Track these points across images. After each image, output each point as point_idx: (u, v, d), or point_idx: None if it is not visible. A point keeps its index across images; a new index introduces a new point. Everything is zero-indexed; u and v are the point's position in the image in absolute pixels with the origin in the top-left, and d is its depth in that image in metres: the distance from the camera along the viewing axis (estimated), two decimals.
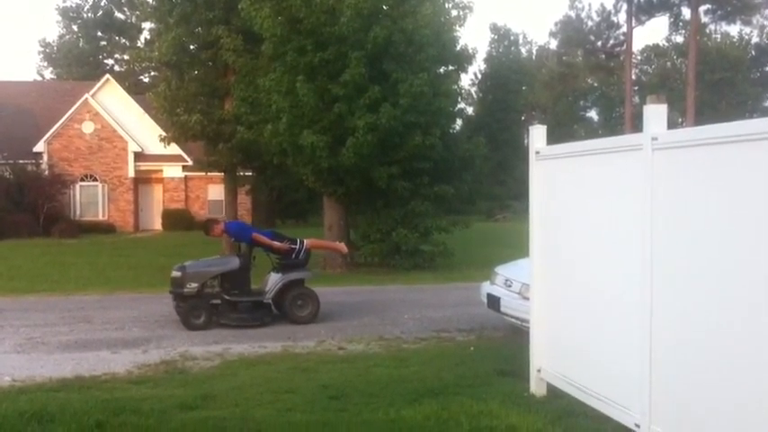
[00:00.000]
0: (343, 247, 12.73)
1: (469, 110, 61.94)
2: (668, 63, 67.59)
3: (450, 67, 20.76)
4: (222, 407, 6.55)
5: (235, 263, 11.36)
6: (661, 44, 66.37)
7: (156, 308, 12.75)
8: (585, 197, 6.08)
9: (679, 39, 58.59)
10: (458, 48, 20.32)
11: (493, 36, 60.62)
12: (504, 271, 10.06)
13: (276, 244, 11.58)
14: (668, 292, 4.83)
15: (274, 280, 11.48)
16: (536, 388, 6.85)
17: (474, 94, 63.86)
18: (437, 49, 18.77)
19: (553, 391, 6.65)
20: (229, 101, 23.70)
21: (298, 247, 11.64)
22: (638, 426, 5.14)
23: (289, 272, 11.55)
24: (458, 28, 19.94)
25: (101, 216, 38.21)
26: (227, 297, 11.18)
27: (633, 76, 50.58)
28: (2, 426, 5.64)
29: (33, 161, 36.45)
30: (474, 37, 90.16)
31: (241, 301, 11.25)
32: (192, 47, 24.29)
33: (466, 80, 73.85)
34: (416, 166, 19.15)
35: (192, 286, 10.98)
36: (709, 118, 40.32)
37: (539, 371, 6.82)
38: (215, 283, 11.25)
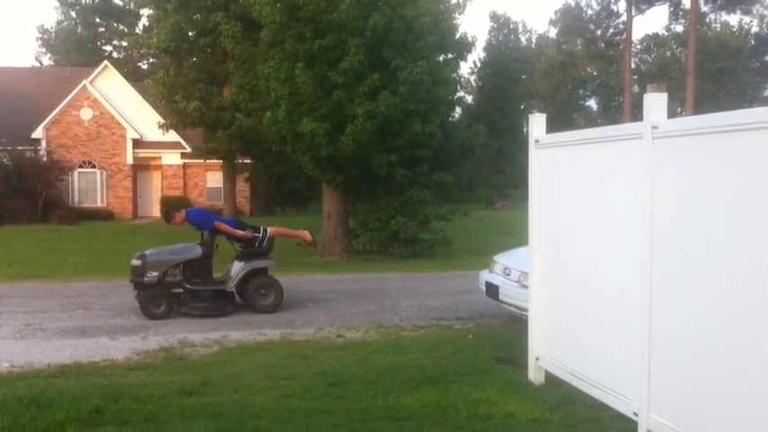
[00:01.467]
0: (307, 234, 12.40)
1: (469, 98, 61.86)
2: (668, 52, 67.45)
3: (450, 55, 20.69)
4: (221, 393, 6.56)
5: (197, 251, 11.13)
6: (661, 33, 66.28)
7: None
8: (585, 186, 6.07)
9: (679, 28, 58.47)
10: (457, 36, 20.27)
11: (492, 24, 60.36)
12: (502, 259, 10.06)
13: (239, 232, 11.38)
14: (667, 281, 4.83)
15: (237, 268, 11.29)
16: (534, 376, 6.87)
17: (473, 82, 63.71)
18: (437, 37, 18.72)
19: (551, 379, 6.67)
20: (228, 88, 23.69)
21: (261, 235, 11.46)
22: (636, 414, 5.16)
23: (252, 260, 11.36)
24: (457, 16, 19.89)
25: (99, 203, 38.18)
26: (188, 286, 11.03)
27: (633, 66, 50.53)
28: (1, 411, 5.65)
29: (32, 147, 36.41)
30: (473, 25, 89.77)
31: (203, 290, 11.10)
32: (190, 33, 24.27)
33: (465, 68, 73.79)
34: (416, 154, 19.13)
35: (153, 275, 10.78)
36: (708, 107, 40.26)
37: (537, 359, 6.84)
38: (176, 271, 11.08)
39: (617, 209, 5.53)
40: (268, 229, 11.74)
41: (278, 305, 11.44)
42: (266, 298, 11.40)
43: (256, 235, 11.46)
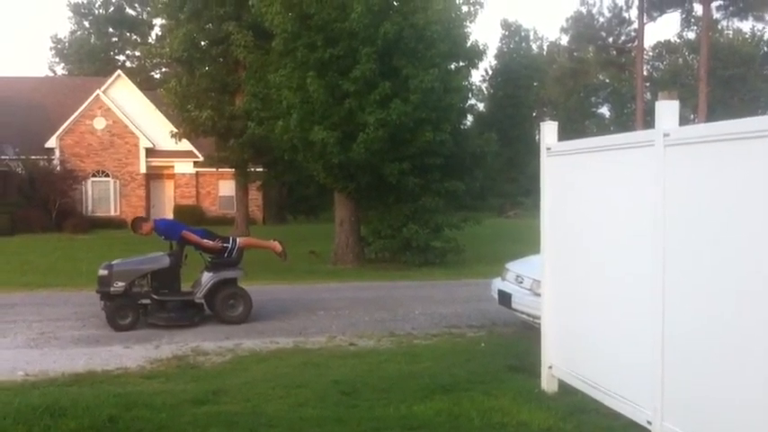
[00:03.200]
0: (277, 245, 11.99)
1: (480, 106, 61.75)
2: (680, 59, 67.22)
3: (461, 63, 20.70)
4: (234, 401, 6.57)
5: (164, 261, 11.00)
6: (673, 40, 66.04)
7: None
8: (597, 193, 6.06)
9: (691, 35, 58.26)
10: (468, 44, 20.27)
11: (504, 32, 60.41)
12: (515, 267, 10.04)
13: (206, 242, 11.24)
14: (681, 289, 4.81)
15: (206, 279, 11.18)
16: (547, 384, 6.84)
17: (485, 90, 63.70)
18: (448, 45, 18.72)
19: (564, 388, 6.64)
20: (240, 97, 23.77)
21: (230, 245, 11.31)
22: (650, 422, 5.13)
23: (220, 270, 11.22)
24: (468, 24, 19.90)
25: (112, 211, 38.35)
26: (156, 296, 10.91)
27: (645, 73, 50.37)
28: (15, 420, 5.67)
29: (45, 157, 36.61)
30: (485, 33, 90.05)
31: (170, 301, 10.98)
32: (202, 43, 24.38)
33: (477, 76, 73.87)
34: (427, 161, 19.13)
35: (119, 285, 10.66)
36: (721, 114, 40.14)
37: (550, 367, 6.81)
38: (144, 282, 10.97)
39: (629, 216, 5.51)
40: (237, 239, 11.65)
41: (246, 316, 11.24)
42: (234, 309, 11.22)
43: (225, 245, 11.30)
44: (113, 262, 10.98)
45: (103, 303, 10.85)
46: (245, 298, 11.32)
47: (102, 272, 10.81)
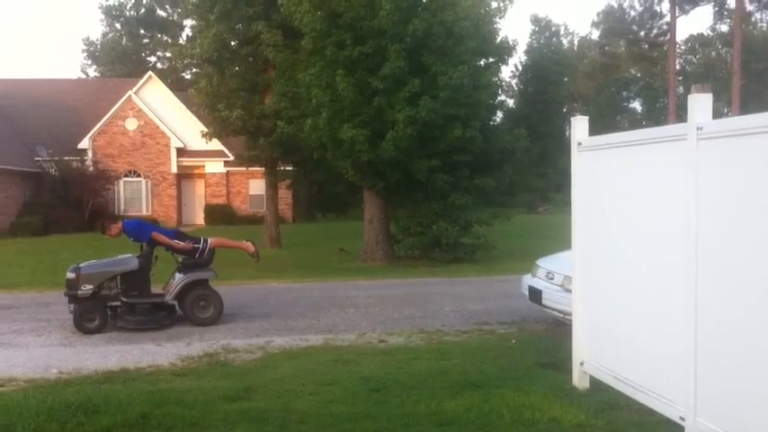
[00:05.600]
0: (250, 246, 11.81)
1: (510, 102, 61.52)
2: (713, 52, 66.48)
3: (491, 60, 20.65)
4: (264, 398, 6.60)
5: (133, 263, 10.80)
6: (705, 33, 65.39)
7: None
8: (628, 188, 5.99)
9: (724, 28, 57.61)
10: (498, 40, 20.21)
11: (534, 27, 60.02)
12: (545, 263, 9.97)
13: (176, 243, 11.08)
14: (714, 283, 4.75)
15: (176, 280, 11.01)
16: (579, 381, 6.79)
17: (515, 86, 63.43)
18: (477, 42, 18.65)
19: (596, 384, 6.58)
20: (269, 96, 23.83)
21: (201, 246, 11.12)
22: (683, 418, 5.07)
23: (191, 272, 11.04)
24: (498, 20, 19.85)
25: (144, 211, 38.68)
26: (125, 299, 10.74)
27: (677, 66, 49.84)
28: (49, 417, 5.74)
29: (78, 158, 37.04)
30: (514, 29, 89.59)
31: (139, 303, 10.79)
32: (232, 43, 24.46)
33: (506, 72, 73.43)
34: (456, 158, 19.09)
35: (87, 288, 10.48)
36: (754, 107, 39.50)
37: (581, 363, 6.76)
38: (113, 284, 10.80)
39: (661, 211, 5.45)
40: (209, 240, 11.41)
41: (217, 318, 11.06)
42: (205, 310, 11.04)
43: (196, 246, 11.13)
44: (81, 264, 10.76)
45: (71, 306, 10.64)
46: (215, 299, 11.12)
47: (70, 275, 10.63)
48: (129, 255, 11.10)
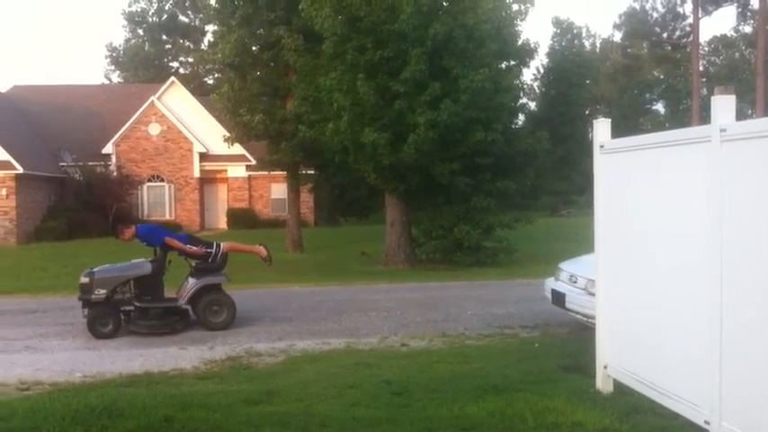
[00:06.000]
0: (262, 250, 11.79)
1: (532, 105, 61.21)
2: (736, 54, 65.88)
3: (512, 62, 20.60)
4: (287, 402, 6.61)
5: (146, 268, 10.87)
6: (729, 35, 64.78)
7: None
8: (652, 190, 5.95)
9: (747, 29, 57.07)
10: (519, 42, 20.15)
11: (555, 30, 59.65)
12: (568, 267, 9.92)
13: (189, 248, 11.09)
14: (738, 285, 4.70)
15: (189, 285, 11.04)
16: (602, 384, 6.74)
17: (536, 88, 63.14)
18: (498, 45, 18.61)
19: (620, 388, 6.53)
20: (291, 100, 23.91)
21: (213, 251, 11.16)
22: (707, 423, 5.02)
23: (204, 276, 11.08)
24: (519, 22, 19.79)
25: (167, 216, 38.94)
26: (138, 303, 10.77)
27: (700, 68, 49.44)
28: (74, 420, 5.78)
29: (102, 162, 37.37)
30: (536, 31, 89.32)
31: (152, 308, 10.82)
32: (254, 48, 24.57)
33: (528, 75, 73.21)
34: (478, 161, 19.05)
35: (101, 293, 10.54)
36: None
37: (605, 367, 6.71)
38: (126, 289, 10.85)
39: (685, 213, 5.40)
40: (221, 244, 11.44)
41: (230, 322, 11.06)
42: (218, 315, 11.04)
43: (208, 251, 11.16)
44: (95, 269, 10.81)
45: (84, 311, 10.72)
46: (228, 304, 11.14)
47: (84, 279, 10.69)
48: (143, 259, 11.16)
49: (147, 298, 10.91)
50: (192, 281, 11.09)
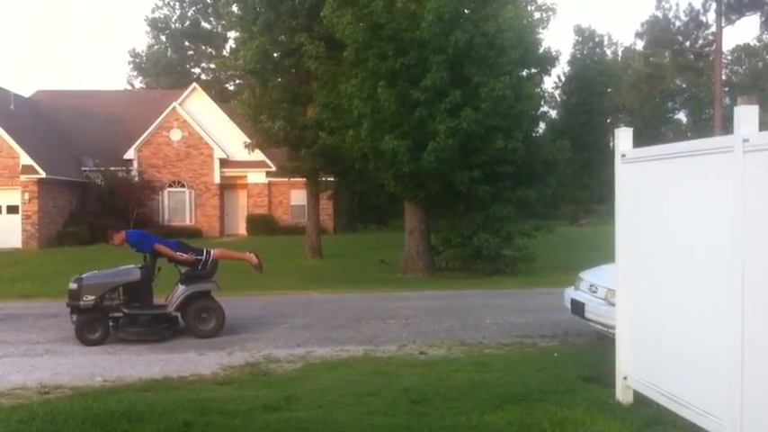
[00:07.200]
0: (253, 257, 11.71)
1: (553, 113, 61.01)
2: (759, 63, 65.34)
3: (533, 70, 20.54)
4: (305, 408, 6.62)
5: (135, 274, 10.81)
6: (752, 43, 64.30)
7: (241, 311, 12.97)
8: (673, 201, 5.92)
9: None
10: (540, 50, 20.09)
11: (577, 38, 59.44)
12: (588, 276, 9.87)
13: (179, 255, 11.03)
14: (761, 297, 4.66)
15: (179, 292, 10.97)
16: (622, 395, 6.69)
17: (558, 96, 62.93)
18: (519, 53, 18.56)
19: (640, 399, 6.48)
20: (311, 107, 23.98)
21: (203, 258, 11.08)
22: None
23: (193, 283, 10.99)
24: (540, 30, 19.77)
25: (188, 221, 39.17)
26: (127, 310, 10.72)
27: (723, 77, 49.09)
28: (94, 424, 5.82)
29: (124, 168, 37.69)
30: (557, 39, 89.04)
31: (141, 315, 10.79)
32: (275, 54, 24.67)
33: (549, 83, 72.96)
34: (498, 169, 18.99)
35: (89, 299, 10.47)
36: None
37: (625, 378, 6.66)
38: (115, 295, 10.79)
39: (706, 223, 5.36)
40: (212, 251, 11.38)
41: (218, 330, 10.98)
42: (207, 323, 10.96)
43: (198, 258, 11.10)
44: (83, 275, 10.78)
45: (73, 317, 10.66)
46: (217, 311, 11.05)
47: (73, 285, 10.63)
48: (132, 265, 11.13)
49: (136, 305, 10.86)
50: (181, 288, 11.02)
